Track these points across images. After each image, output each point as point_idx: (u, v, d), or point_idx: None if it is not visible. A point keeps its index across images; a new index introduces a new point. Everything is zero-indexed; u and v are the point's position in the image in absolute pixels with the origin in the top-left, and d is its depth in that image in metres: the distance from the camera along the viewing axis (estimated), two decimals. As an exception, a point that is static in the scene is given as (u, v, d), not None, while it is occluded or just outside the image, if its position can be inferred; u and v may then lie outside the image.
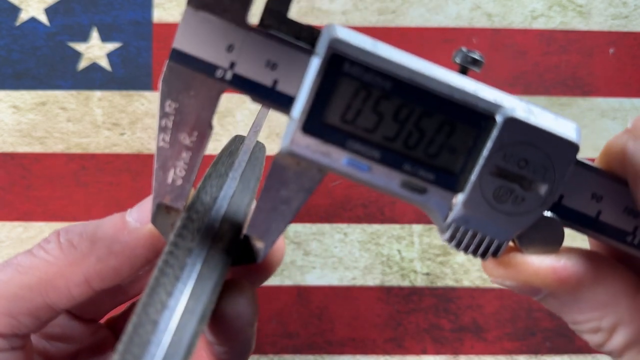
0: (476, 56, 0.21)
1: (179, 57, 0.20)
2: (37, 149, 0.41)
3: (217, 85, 0.20)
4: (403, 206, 0.42)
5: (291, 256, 0.41)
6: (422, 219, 0.42)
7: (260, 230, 0.22)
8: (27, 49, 0.41)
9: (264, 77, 0.20)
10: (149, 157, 0.41)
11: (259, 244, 0.23)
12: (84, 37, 0.41)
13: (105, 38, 0.41)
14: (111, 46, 0.41)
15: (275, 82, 0.20)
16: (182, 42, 0.20)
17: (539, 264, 0.21)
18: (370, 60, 0.20)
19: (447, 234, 0.21)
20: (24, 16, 0.41)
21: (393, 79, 0.20)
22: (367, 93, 0.20)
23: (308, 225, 0.41)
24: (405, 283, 0.41)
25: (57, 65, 0.41)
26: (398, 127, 0.20)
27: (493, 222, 0.21)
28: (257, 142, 0.27)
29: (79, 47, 0.41)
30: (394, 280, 0.41)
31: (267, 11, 0.20)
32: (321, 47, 0.20)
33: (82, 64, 0.41)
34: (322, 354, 0.41)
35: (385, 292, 0.41)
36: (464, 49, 0.21)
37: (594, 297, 0.21)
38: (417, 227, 0.42)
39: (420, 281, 0.41)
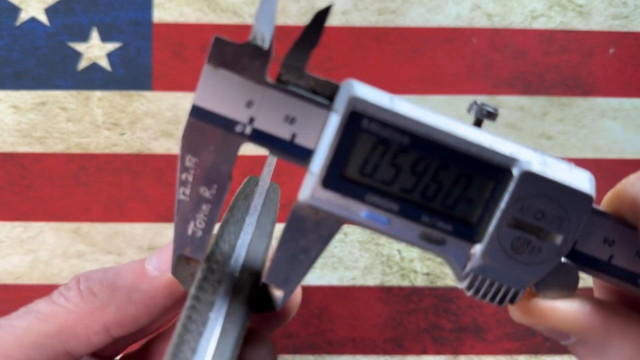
0: (490, 109, 0.22)
1: (199, 113, 0.20)
2: (37, 149, 0.41)
3: (236, 139, 0.21)
4: (403, 206, 0.42)
5: (291, 256, 0.41)
6: (422, 219, 0.42)
7: (280, 280, 0.22)
8: (27, 49, 0.41)
9: (283, 131, 0.21)
10: (149, 157, 0.41)
11: (277, 293, 0.23)
12: (84, 37, 0.41)
13: (105, 38, 0.41)
14: (111, 46, 0.41)
15: (293, 135, 0.21)
16: (202, 99, 0.20)
17: (566, 309, 0.21)
18: (388, 117, 0.20)
19: (465, 283, 0.22)
20: (24, 16, 0.41)
21: (411, 134, 0.20)
22: (385, 147, 0.20)
23: (308, 225, 0.41)
24: (405, 283, 0.41)
25: (57, 65, 0.41)
26: (416, 179, 0.21)
27: (510, 272, 0.21)
28: (271, 182, 0.27)
29: (79, 47, 0.41)
30: (394, 280, 0.41)
31: (285, 67, 0.21)
32: (340, 104, 0.20)
33: (82, 64, 0.41)
34: (322, 354, 0.41)
35: (385, 292, 0.41)
36: (478, 102, 0.22)
37: (621, 349, 0.21)
38: (417, 227, 0.42)
39: (420, 281, 0.41)
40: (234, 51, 0.20)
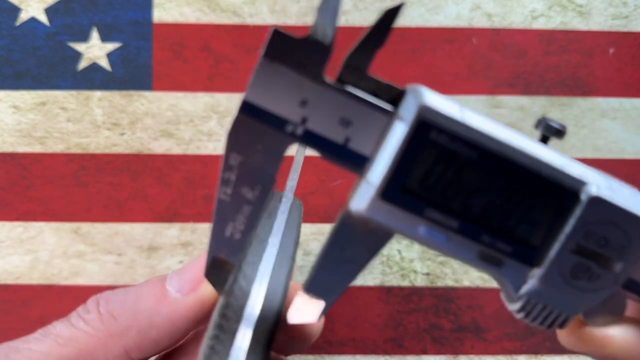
0: (558, 126, 0.21)
1: (249, 110, 0.19)
2: (37, 149, 0.41)
3: (286, 140, 0.20)
4: (403, 206, 0.42)
5: (291, 256, 0.41)
6: (422, 219, 0.42)
7: (321, 289, 0.21)
8: (27, 49, 0.41)
9: (336, 135, 0.20)
10: (149, 157, 0.41)
11: (317, 303, 0.22)
12: (84, 37, 0.41)
13: (105, 38, 0.41)
14: (111, 46, 0.41)
15: (347, 139, 0.20)
16: (254, 95, 0.19)
17: (622, 338, 0.22)
18: (459, 129, 0.19)
19: (518, 305, 0.21)
20: (24, 16, 0.41)
21: (480, 149, 0.19)
22: (450, 161, 0.19)
23: (308, 225, 0.41)
24: (405, 283, 0.41)
25: (57, 65, 0.41)
26: (479, 196, 0.20)
27: (566, 297, 0.21)
28: (294, 198, 0.27)
29: (79, 47, 0.41)
30: (394, 280, 0.41)
31: (347, 67, 0.20)
32: (407, 112, 0.19)
33: (82, 64, 0.41)
34: (322, 354, 0.41)
35: (385, 292, 0.41)
36: (546, 118, 0.21)
37: None
38: (417, 227, 0.42)
39: (420, 281, 0.41)
40: (292, 45, 0.19)
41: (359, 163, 0.20)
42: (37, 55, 0.41)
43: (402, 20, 0.42)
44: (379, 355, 0.41)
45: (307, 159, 0.41)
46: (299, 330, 0.27)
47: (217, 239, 0.21)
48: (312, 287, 0.21)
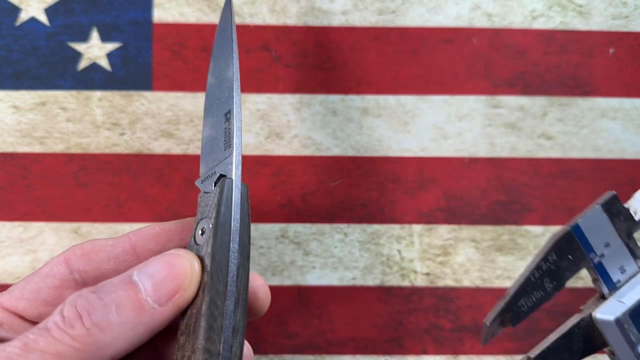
0: None
1: (577, 231, 0.28)
2: (37, 149, 0.41)
3: (586, 261, 0.28)
4: (403, 206, 0.42)
5: (291, 256, 0.41)
6: (422, 218, 0.42)
7: None
8: (27, 49, 0.41)
9: (614, 274, 0.28)
10: (149, 157, 0.41)
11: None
12: (84, 37, 0.41)
13: (105, 38, 0.41)
14: (111, 46, 0.41)
15: (618, 281, 0.28)
16: (584, 225, 0.28)
17: None
18: None
19: None
20: (24, 16, 0.41)
21: None
22: None
23: (308, 225, 0.41)
24: (405, 283, 0.41)
25: (57, 65, 0.41)
26: None
27: None
28: (242, 185, 0.27)
29: (79, 47, 0.41)
30: (394, 280, 0.41)
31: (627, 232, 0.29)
32: None
33: (82, 64, 0.41)
34: (322, 354, 0.41)
35: (385, 292, 0.41)
36: None
37: None
38: (417, 227, 0.42)
39: (420, 281, 0.41)
40: (618, 208, 0.28)
41: (609, 287, 0.29)
42: (37, 55, 0.41)
43: (402, 20, 0.42)
44: (379, 355, 0.41)
45: (307, 159, 0.42)
46: (251, 306, 0.29)
47: (510, 304, 0.28)
48: None
